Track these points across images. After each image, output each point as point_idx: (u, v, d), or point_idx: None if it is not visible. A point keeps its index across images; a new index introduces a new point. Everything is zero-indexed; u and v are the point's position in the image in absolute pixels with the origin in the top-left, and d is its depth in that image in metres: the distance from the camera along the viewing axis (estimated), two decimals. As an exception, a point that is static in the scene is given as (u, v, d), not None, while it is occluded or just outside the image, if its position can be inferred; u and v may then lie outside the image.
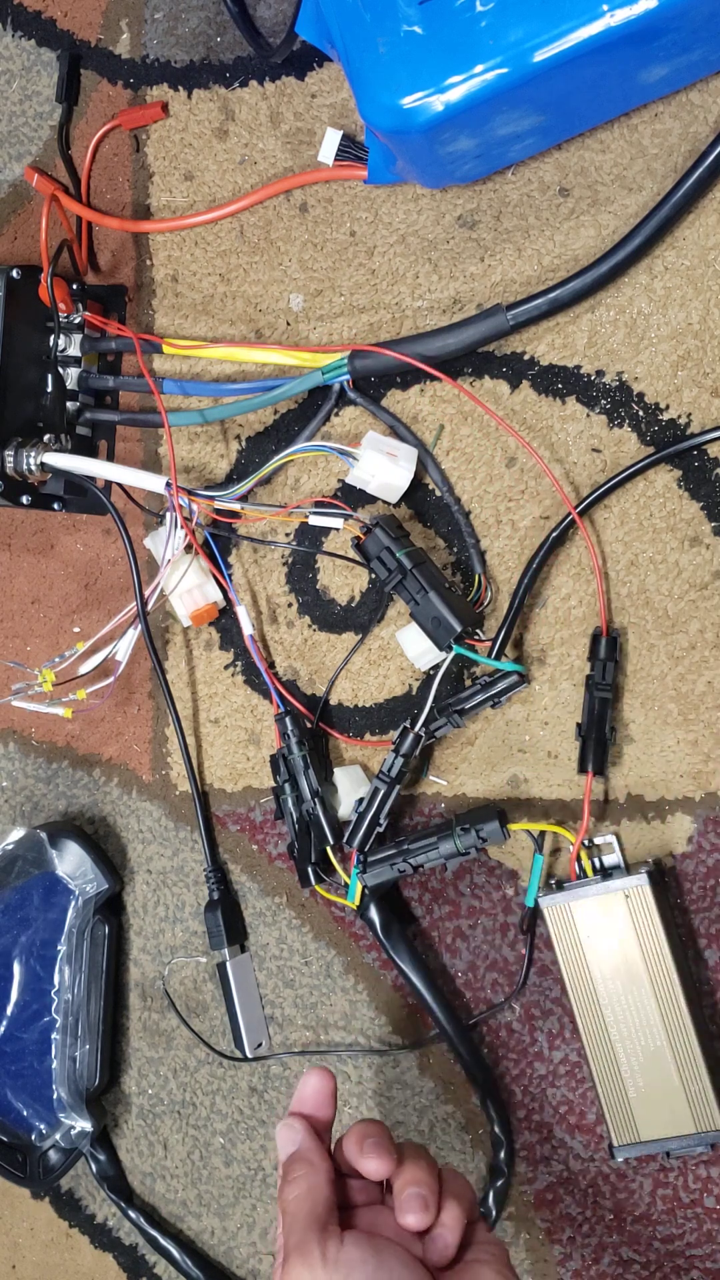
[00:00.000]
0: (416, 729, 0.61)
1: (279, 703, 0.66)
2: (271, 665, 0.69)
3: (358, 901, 0.63)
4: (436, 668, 0.62)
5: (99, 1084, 0.72)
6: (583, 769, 0.60)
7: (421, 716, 0.61)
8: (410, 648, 0.63)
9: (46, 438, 0.68)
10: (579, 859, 0.60)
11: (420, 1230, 0.44)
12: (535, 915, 0.61)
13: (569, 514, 0.60)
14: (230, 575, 0.69)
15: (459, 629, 0.59)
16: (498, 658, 0.61)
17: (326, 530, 0.67)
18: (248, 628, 0.67)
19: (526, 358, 0.62)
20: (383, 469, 0.62)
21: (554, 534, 0.60)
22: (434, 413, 0.64)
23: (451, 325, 0.62)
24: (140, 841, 0.74)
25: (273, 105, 0.67)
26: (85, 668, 0.68)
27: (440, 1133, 0.66)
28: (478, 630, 0.62)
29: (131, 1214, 0.74)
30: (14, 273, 0.66)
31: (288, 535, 0.68)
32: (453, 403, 0.64)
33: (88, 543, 0.75)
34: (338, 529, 0.65)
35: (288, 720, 0.65)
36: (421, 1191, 0.44)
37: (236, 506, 0.66)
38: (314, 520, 0.65)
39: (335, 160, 0.64)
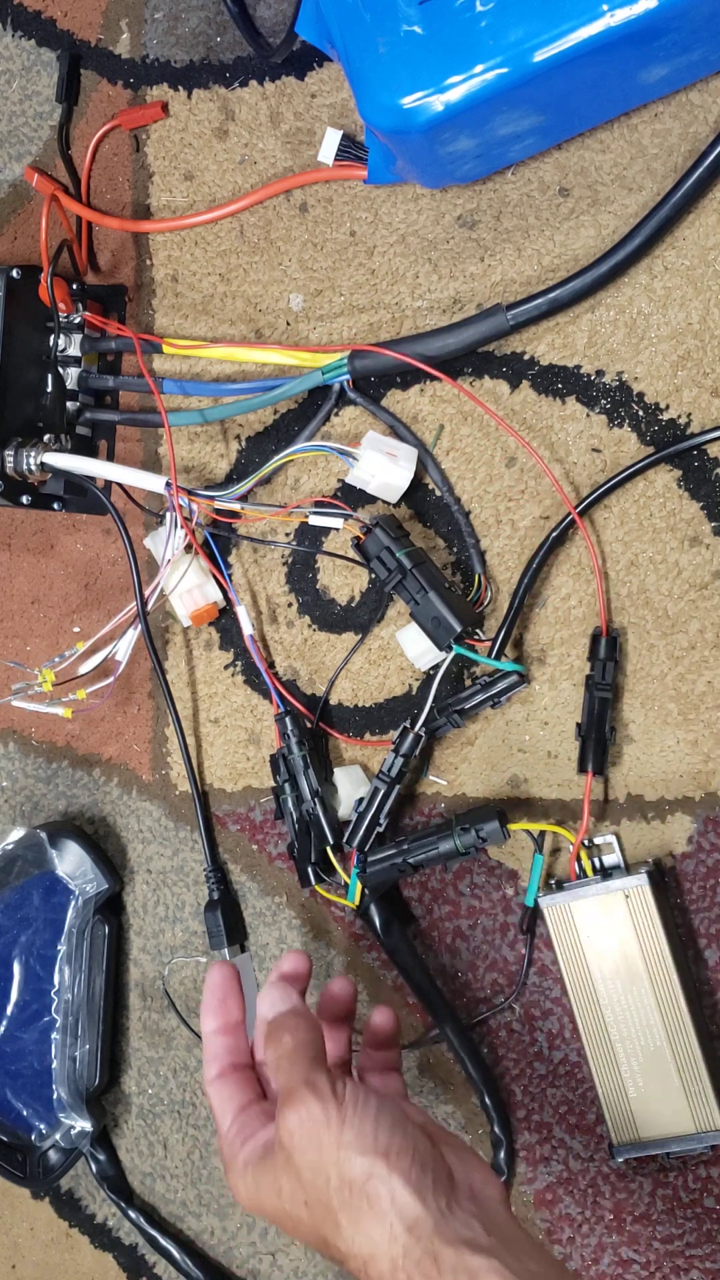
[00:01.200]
0: (416, 729, 0.61)
1: (279, 703, 0.66)
2: (271, 665, 0.69)
3: (358, 901, 0.63)
4: (436, 668, 0.62)
5: (99, 1084, 0.72)
6: (582, 769, 0.60)
7: (421, 716, 0.61)
8: (410, 648, 0.63)
9: (46, 438, 0.68)
10: (579, 859, 0.60)
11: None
12: (535, 915, 0.61)
13: (569, 514, 0.60)
14: (230, 575, 0.69)
15: (459, 629, 0.59)
16: (498, 658, 0.61)
17: (326, 530, 0.67)
18: (248, 628, 0.67)
19: (526, 358, 0.62)
20: (383, 469, 0.62)
21: (554, 534, 0.60)
22: (434, 413, 0.64)
23: (451, 325, 0.62)
24: (140, 841, 0.74)
25: (273, 105, 0.67)
26: (85, 668, 0.68)
27: (440, 1133, 0.66)
28: (478, 630, 0.62)
29: (131, 1214, 0.74)
30: (14, 273, 0.66)
31: (288, 535, 0.68)
32: (453, 403, 0.64)
33: (88, 543, 0.75)
34: (338, 529, 0.65)
35: (288, 720, 0.65)
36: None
37: (236, 506, 0.66)
38: (314, 520, 0.65)
39: (335, 160, 0.64)
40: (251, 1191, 0.46)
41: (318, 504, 0.66)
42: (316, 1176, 0.43)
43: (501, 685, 0.60)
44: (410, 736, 0.61)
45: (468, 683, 0.64)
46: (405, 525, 0.64)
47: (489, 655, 0.61)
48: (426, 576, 0.60)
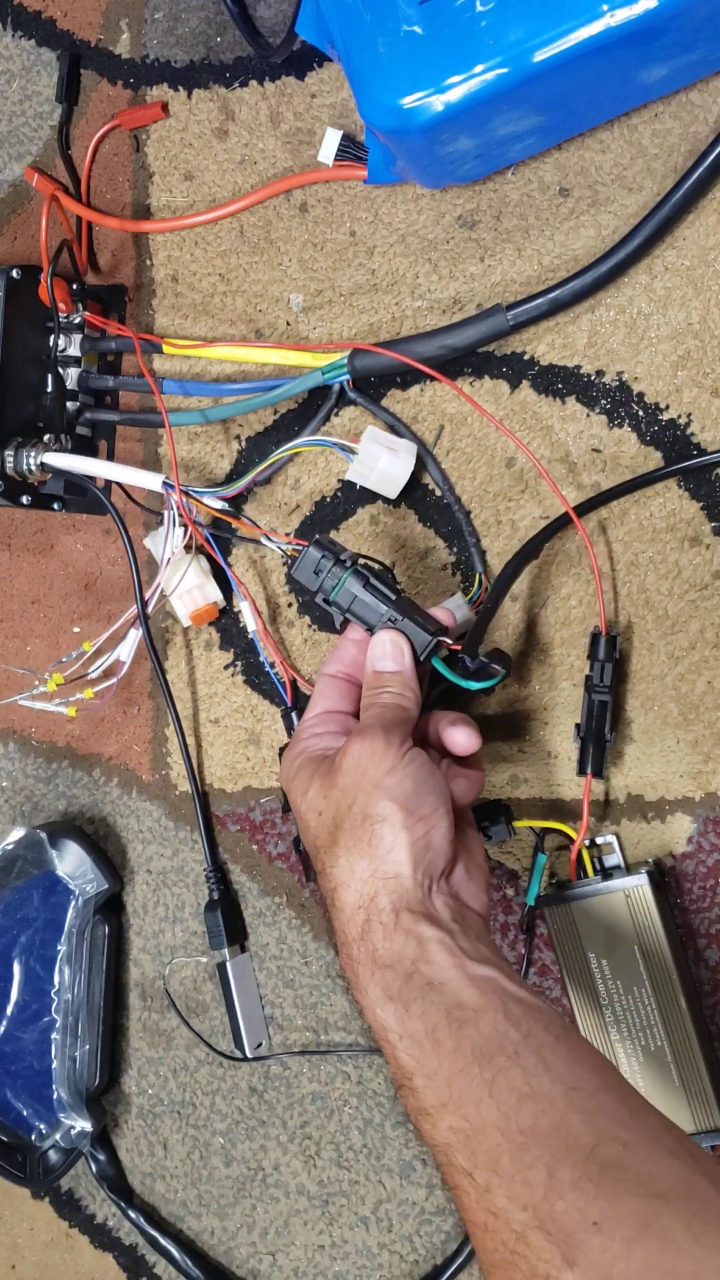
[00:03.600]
0: None
1: (286, 697, 0.66)
2: (272, 665, 0.69)
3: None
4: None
5: (99, 1084, 0.72)
6: (582, 770, 0.60)
7: None
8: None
9: (46, 438, 0.68)
10: (579, 859, 0.60)
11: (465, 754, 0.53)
12: (535, 915, 0.61)
13: (564, 512, 0.60)
14: (232, 571, 0.69)
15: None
16: (474, 659, 0.57)
17: (328, 529, 0.67)
18: (252, 624, 0.67)
19: (526, 358, 0.62)
20: (382, 460, 0.62)
21: (539, 537, 0.60)
22: (434, 413, 0.64)
23: (451, 325, 0.61)
24: (140, 841, 0.74)
25: (273, 105, 0.67)
26: (93, 671, 0.68)
27: (440, 1133, 0.66)
28: (444, 639, 0.55)
29: (131, 1214, 0.74)
30: (14, 273, 0.66)
31: (288, 535, 0.68)
32: (453, 403, 0.64)
33: (88, 543, 0.75)
34: (282, 550, 0.65)
35: (294, 716, 0.66)
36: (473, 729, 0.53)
37: (220, 506, 0.66)
38: (266, 543, 0.64)
39: (335, 160, 0.64)
40: (289, 775, 0.51)
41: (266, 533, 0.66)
42: (344, 797, 0.47)
43: (485, 680, 0.58)
44: None
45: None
46: (404, 524, 0.64)
47: (462, 658, 0.56)
48: (363, 616, 0.54)
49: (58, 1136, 0.73)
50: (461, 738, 0.52)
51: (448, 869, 0.48)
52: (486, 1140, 0.40)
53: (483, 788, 0.55)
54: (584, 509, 0.60)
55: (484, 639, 0.56)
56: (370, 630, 0.54)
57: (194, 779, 0.71)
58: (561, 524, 0.60)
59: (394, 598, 0.54)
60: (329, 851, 0.47)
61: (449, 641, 0.54)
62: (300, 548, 0.55)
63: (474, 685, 0.52)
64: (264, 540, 0.65)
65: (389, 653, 0.52)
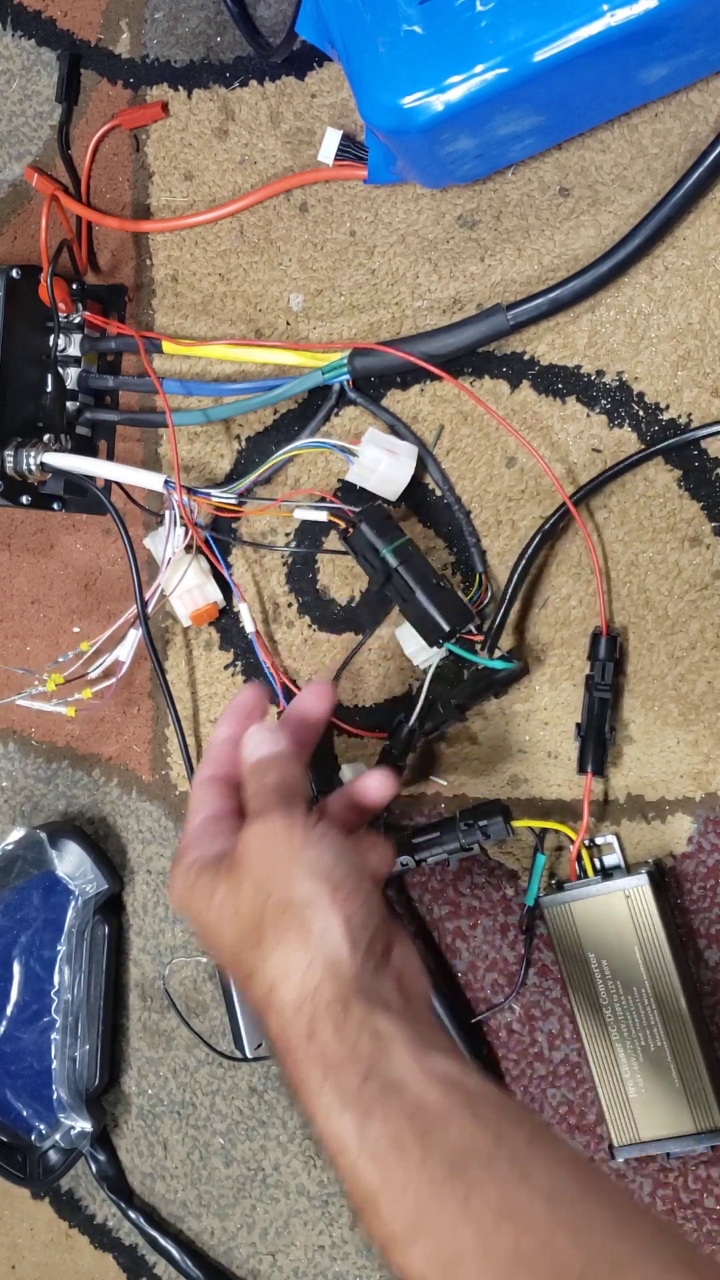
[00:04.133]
0: (410, 723, 0.61)
1: (281, 700, 0.66)
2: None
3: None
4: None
5: (99, 1084, 0.72)
6: (582, 769, 0.60)
7: (415, 710, 0.61)
8: (408, 644, 0.63)
9: (46, 438, 0.68)
10: (579, 859, 0.60)
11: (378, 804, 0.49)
12: (535, 915, 0.61)
13: (563, 503, 0.59)
14: (230, 574, 0.69)
15: (447, 629, 0.58)
16: (491, 652, 0.60)
17: (327, 530, 0.67)
18: (250, 625, 0.67)
19: (526, 358, 0.62)
20: (383, 463, 0.62)
21: (547, 525, 0.60)
22: (434, 413, 0.64)
23: (451, 325, 0.61)
24: (140, 841, 0.74)
25: (273, 105, 0.67)
26: (93, 671, 0.68)
27: (440, 1133, 0.66)
28: (470, 626, 0.61)
29: (131, 1214, 0.74)
30: (14, 273, 0.66)
31: (287, 536, 0.68)
32: (453, 403, 0.64)
33: (88, 543, 0.75)
34: (324, 521, 0.65)
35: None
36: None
37: (233, 500, 0.66)
38: (299, 514, 0.64)
39: (335, 160, 0.64)
40: (185, 890, 0.45)
41: (312, 500, 0.66)
42: (258, 890, 0.42)
43: (499, 677, 0.59)
44: (405, 729, 0.61)
45: (466, 675, 0.63)
46: (404, 524, 0.64)
47: (482, 650, 0.60)
48: (414, 573, 0.58)
49: (58, 1137, 0.73)
50: (375, 782, 0.49)
51: (387, 944, 0.43)
52: (466, 1272, 0.35)
53: (395, 860, 0.52)
54: (580, 495, 0.59)
55: (500, 633, 0.59)
56: (401, 597, 0.57)
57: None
58: (561, 515, 0.60)
59: (436, 579, 0.58)
60: (255, 950, 0.41)
61: (472, 631, 0.58)
62: (342, 509, 0.59)
63: (496, 665, 0.55)
64: (298, 511, 0.63)
65: (264, 739, 0.48)
